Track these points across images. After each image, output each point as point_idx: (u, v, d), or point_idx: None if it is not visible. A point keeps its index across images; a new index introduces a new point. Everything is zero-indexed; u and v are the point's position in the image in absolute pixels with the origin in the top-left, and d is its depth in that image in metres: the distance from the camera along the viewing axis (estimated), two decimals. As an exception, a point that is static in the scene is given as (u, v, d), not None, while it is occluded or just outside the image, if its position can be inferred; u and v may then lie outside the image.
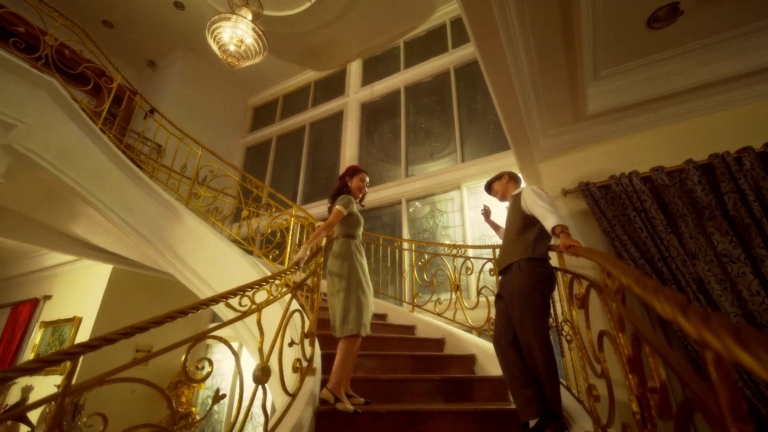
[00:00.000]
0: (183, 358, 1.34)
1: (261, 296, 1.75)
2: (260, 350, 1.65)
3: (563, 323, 1.78)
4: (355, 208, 2.43)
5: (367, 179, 2.55)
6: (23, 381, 5.17)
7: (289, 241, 3.57)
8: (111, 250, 4.66)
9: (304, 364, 2.10)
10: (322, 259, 2.67)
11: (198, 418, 5.34)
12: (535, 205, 1.88)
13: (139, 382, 1.17)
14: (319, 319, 2.58)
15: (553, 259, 2.14)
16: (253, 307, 1.62)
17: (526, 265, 1.83)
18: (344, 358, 2.00)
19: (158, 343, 5.48)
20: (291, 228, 3.60)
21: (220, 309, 1.94)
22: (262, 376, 1.59)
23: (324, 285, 3.23)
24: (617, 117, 2.48)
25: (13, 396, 5.15)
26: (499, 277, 2.05)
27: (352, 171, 2.52)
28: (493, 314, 2.89)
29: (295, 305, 2.76)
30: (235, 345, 6.21)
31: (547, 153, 2.68)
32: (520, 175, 2.43)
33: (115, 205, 3.60)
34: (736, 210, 1.94)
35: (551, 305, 1.94)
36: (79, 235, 4.60)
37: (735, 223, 1.95)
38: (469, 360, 2.85)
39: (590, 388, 1.49)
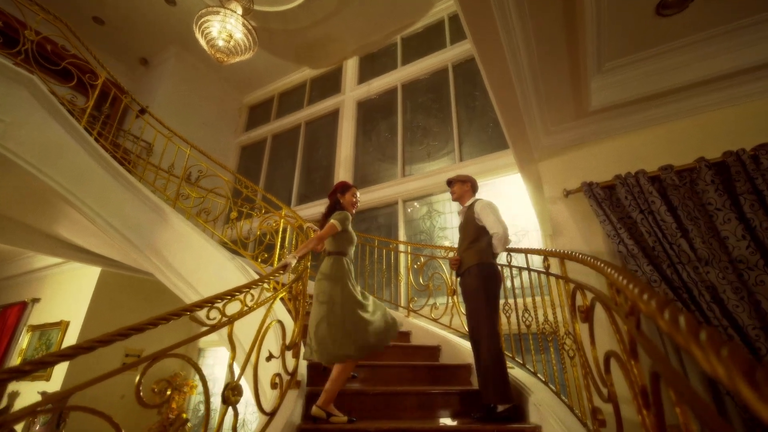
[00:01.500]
0: (137, 379, 1.20)
1: (235, 307, 1.60)
2: (230, 367, 1.50)
3: (565, 336, 1.63)
4: (351, 226, 2.36)
5: (358, 194, 2.59)
6: (9, 387, 5.03)
7: (278, 243, 3.43)
8: (97, 251, 4.52)
9: (286, 378, 1.95)
10: (309, 263, 2.53)
11: (189, 424, 5.20)
12: (487, 216, 2.25)
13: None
14: (304, 326, 2.44)
15: (554, 266, 1.99)
16: (224, 320, 1.48)
17: (476, 269, 2.15)
18: (340, 377, 1.95)
19: (149, 348, 5.34)
20: (280, 230, 3.46)
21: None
22: (232, 396, 1.44)
23: (310, 288, 3.10)
24: (622, 112, 2.32)
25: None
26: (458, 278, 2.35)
27: (343, 187, 2.51)
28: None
29: (274, 315, 2.62)
30: (220, 351, 6.02)
31: (547, 151, 2.53)
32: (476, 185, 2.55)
33: (99, 206, 3.46)
34: (754, 212, 1.79)
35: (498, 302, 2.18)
36: (64, 237, 4.46)
37: (752, 227, 1.79)
38: (465, 370, 2.69)
39: (595, 411, 1.34)
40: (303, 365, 2.25)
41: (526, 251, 2.27)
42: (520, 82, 2.11)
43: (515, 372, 2.37)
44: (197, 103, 7.34)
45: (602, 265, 1.05)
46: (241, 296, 1.59)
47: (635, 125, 2.34)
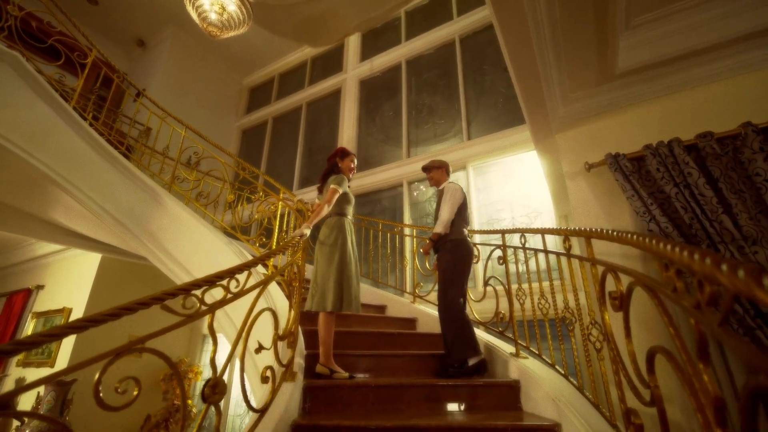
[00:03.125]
0: (96, 377, 1.03)
1: (219, 294, 1.44)
2: (212, 361, 1.34)
3: (591, 326, 1.44)
4: (347, 187, 2.49)
5: (356, 161, 2.68)
6: (16, 373, 5.03)
7: (276, 227, 3.25)
8: (95, 237, 4.42)
9: (279, 370, 1.80)
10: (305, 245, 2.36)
11: (194, 411, 5.17)
12: (444, 202, 2.48)
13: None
14: (302, 313, 2.28)
15: (575, 247, 1.78)
16: (203, 308, 1.31)
17: (450, 244, 2.44)
18: (328, 332, 2.13)
19: (147, 329, 5.28)
20: (278, 214, 3.28)
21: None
22: (213, 393, 1.29)
23: (308, 273, 2.96)
24: (652, 75, 2.06)
25: (7, 388, 5.03)
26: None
27: (342, 153, 2.61)
28: (502, 307, 2.56)
29: (271, 301, 2.46)
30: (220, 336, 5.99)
31: (566, 122, 2.28)
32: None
33: (91, 190, 3.32)
34: (811, 183, 1.55)
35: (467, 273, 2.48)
36: (60, 223, 4.36)
37: (808, 200, 1.55)
38: (475, 359, 2.52)
39: (629, 413, 1.15)
40: (300, 355, 2.10)
41: (544, 231, 2.05)
42: (539, 42, 1.86)
43: (528, 362, 2.19)
44: (196, 86, 7.12)
45: (652, 241, 0.84)
46: (225, 282, 1.42)
47: (667, 89, 2.08)
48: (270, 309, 1.69)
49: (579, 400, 1.66)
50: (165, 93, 6.45)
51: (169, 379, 5.23)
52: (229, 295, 1.43)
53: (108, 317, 1.11)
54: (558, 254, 1.83)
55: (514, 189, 4.13)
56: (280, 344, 1.83)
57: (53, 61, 3.54)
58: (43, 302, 5.48)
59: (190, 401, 5.17)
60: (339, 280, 2.20)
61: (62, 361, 4.59)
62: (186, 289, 1.27)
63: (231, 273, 1.43)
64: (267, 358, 1.87)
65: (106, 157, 3.41)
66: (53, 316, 5.11)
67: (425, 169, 2.77)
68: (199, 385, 5.51)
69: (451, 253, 2.42)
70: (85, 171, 3.33)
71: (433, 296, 3.45)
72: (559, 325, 1.91)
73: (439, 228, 2.44)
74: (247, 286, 1.53)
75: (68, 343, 4.59)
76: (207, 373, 5.64)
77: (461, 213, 2.52)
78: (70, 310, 4.95)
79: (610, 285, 1.28)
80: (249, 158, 7.03)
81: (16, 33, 3.32)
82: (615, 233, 1.15)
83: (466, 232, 2.52)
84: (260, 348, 1.59)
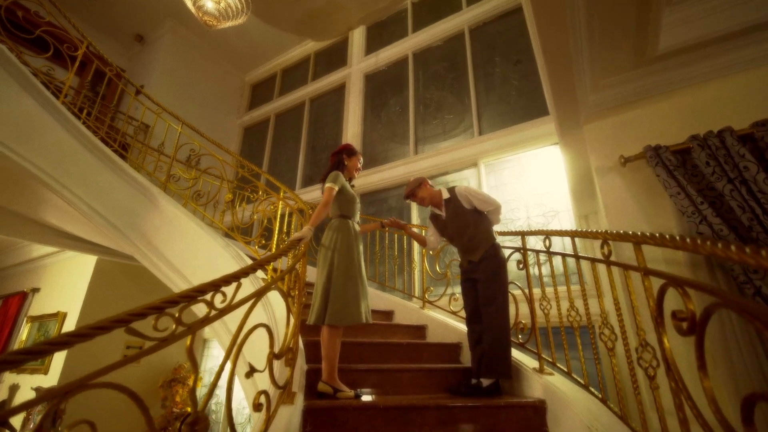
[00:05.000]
0: (37, 420, 0.83)
1: (201, 309, 1.22)
2: (191, 393, 1.13)
3: (642, 349, 1.20)
4: (346, 183, 2.28)
5: (362, 160, 2.49)
6: (10, 379, 4.88)
7: (276, 228, 3.04)
8: (89, 239, 4.24)
9: (276, 393, 1.58)
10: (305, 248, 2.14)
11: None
12: (479, 192, 2.26)
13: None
14: (303, 321, 2.07)
15: (623, 253, 1.55)
16: (180, 330, 1.09)
17: (493, 250, 2.19)
18: (332, 346, 1.91)
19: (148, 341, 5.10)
20: (278, 214, 3.07)
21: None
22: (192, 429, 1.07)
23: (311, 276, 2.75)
24: (700, 55, 1.81)
25: (0, 395, 4.87)
26: (469, 265, 2.29)
27: (349, 151, 2.40)
28: (522, 315, 2.33)
29: (261, 314, 2.25)
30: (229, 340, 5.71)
31: (596, 111, 2.04)
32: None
33: (80, 189, 3.13)
34: None
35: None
36: (54, 224, 4.18)
37: None
38: (492, 374, 2.29)
39: (704, 464, 0.92)
40: (300, 371, 1.89)
41: (575, 234, 1.80)
42: (573, 20, 1.62)
43: (554, 379, 1.96)
44: (197, 82, 6.94)
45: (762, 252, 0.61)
46: (208, 296, 1.20)
47: (714, 72, 1.83)
48: (264, 325, 1.47)
49: (621, 430, 1.42)
50: (164, 90, 6.27)
51: (168, 386, 5.05)
52: (213, 312, 1.21)
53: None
54: (593, 260, 1.60)
55: (529, 187, 3.89)
56: (276, 363, 1.61)
57: (42, 53, 3.36)
58: (38, 306, 5.33)
59: (189, 408, 4.98)
60: (342, 288, 1.97)
61: (56, 367, 4.42)
62: (159, 308, 1.05)
63: (215, 286, 1.21)
64: (263, 375, 1.66)
65: (97, 154, 3.23)
66: (48, 321, 4.95)
67: (408, 196, 2.44)
68: (199, 391, 5.33)
69: (499, 260, 2.17)
70: (73, 169, 3.15)
71: (444, 302, 3.23)
72: (594, 344, 1.67)
73: (499, 212, 2.28)
74: (239, 297, 1.31)
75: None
76: (208, 379, 5.46)
77: (483, 216, 2.30)
78: (64, 315, 4.78)
79: (671, 301, 1.05)
80: (251, 157, 6.84)
81: (0, 23, 3.14)
82: (688, 240, 0.91)
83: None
84: (251, 371, 1.38)
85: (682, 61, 1.84)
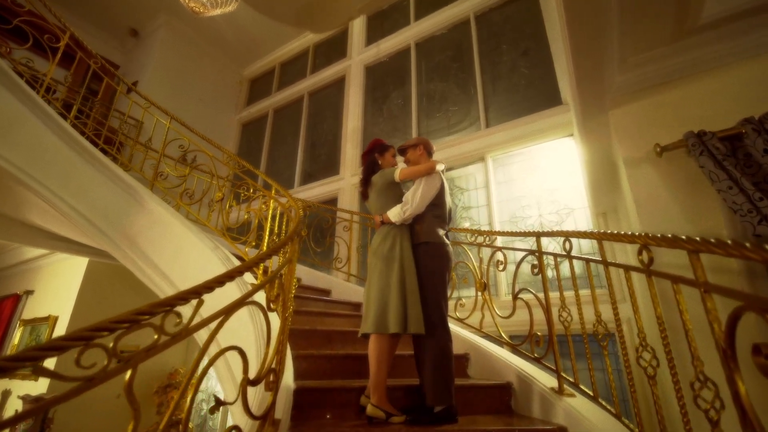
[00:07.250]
0: None
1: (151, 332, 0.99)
2: (131, 442, 0.90)
3: (700, 385, 0.95)
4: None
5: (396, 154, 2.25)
6: (1, 385, 4.73)
7: (267, 229, 2.81)
8: (77, 240, 4.05)
9: (252, 425, 1.36)
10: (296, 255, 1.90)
11: (191, 424, 4.81)
12: (417, 183, 1.96)
13: None
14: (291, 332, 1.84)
15: (659, 259, 1.30)
16: (116, 364, 0.87)
17: (427, 248, 1.94)
18: (384, 361, 1.70)
19: (144, 343, 4.92)
20: (270, 215, 2.84)
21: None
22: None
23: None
24: (750, 24, 1.54)
25: (-8, 401, 4.73)
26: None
27: (381, 146, 2.21)
28: (537, 324, 2.09)
29: (242, 332, 2.00)
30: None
31: (624, 93, 1.78)
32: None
33: (59, 188, 2.94)
34: None
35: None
36: (39, 225, 4.00)
37: None
38: (503, 391, 2.05)
39: None
40: (285, 395, 1.65)
41: (603, 237, 1.53)
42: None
43: (576, 402, 1.71)
44: (193, 78, 6.72)
45: None
46: (157, 318, 0.97)
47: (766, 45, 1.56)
48: (236, 347, 1.24)
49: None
50: (160, 86, 6.06)
51: (164, 392, 4.87)
52: (165, 338, 0.98)
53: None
54: (628, 268, 1.34)
55: (540, 182, 3.62)
56: (252, 390, 1.39)
57: (22, 44, 3.16)
58: (31, 309, 5.17)
59: (183, 414, 4.80)
60: (402, 294, 1.78)
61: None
62: (86, 338, 0.83)
63: (166, 305, 0.98)
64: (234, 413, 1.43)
65: (78, 150, 3.03)
66: (39, 325, 4.79)
67: (400, 150, 2.20)
68: (196, 396, 5.14)
69: (432, 258, 1.89)
70: (53, 166, 2.96)
71: (450, 307, 2.98)
72: (629, 371, 1.41)
73: (404, 214, 1.91)
74: (190, 326, 1.08)
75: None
76: (205, 384, 5.27)
77: (435, 207, 1.97)
78: (56, 318, 4.61)
79: (745, 329, 0.80)
80: (249, 154, 6.62)
81: (-25, 13, 2.93)
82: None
83: (442, 233, 1.96)
84: (217, 405, 1.14)
85: (731, 32, 1.56)
